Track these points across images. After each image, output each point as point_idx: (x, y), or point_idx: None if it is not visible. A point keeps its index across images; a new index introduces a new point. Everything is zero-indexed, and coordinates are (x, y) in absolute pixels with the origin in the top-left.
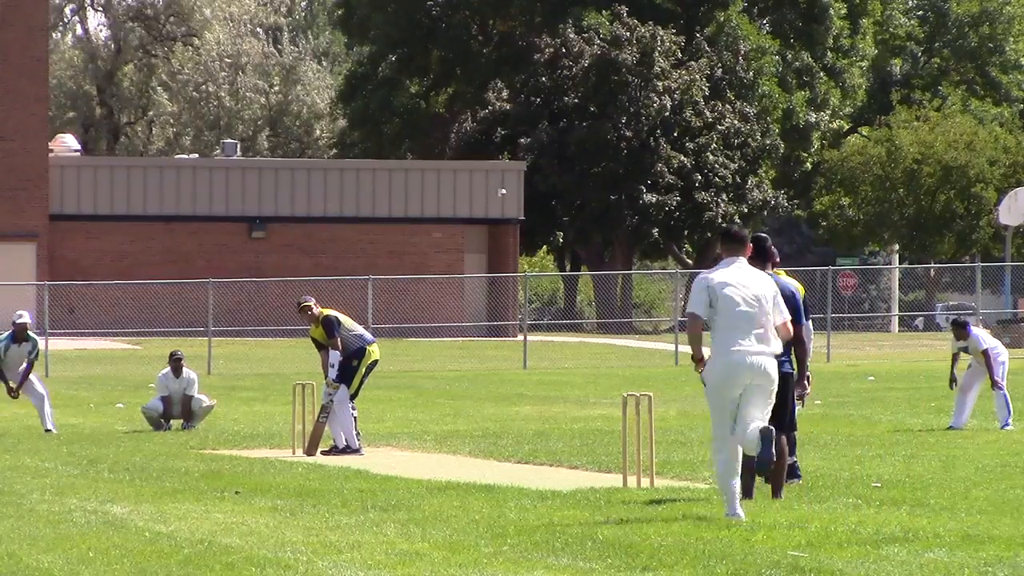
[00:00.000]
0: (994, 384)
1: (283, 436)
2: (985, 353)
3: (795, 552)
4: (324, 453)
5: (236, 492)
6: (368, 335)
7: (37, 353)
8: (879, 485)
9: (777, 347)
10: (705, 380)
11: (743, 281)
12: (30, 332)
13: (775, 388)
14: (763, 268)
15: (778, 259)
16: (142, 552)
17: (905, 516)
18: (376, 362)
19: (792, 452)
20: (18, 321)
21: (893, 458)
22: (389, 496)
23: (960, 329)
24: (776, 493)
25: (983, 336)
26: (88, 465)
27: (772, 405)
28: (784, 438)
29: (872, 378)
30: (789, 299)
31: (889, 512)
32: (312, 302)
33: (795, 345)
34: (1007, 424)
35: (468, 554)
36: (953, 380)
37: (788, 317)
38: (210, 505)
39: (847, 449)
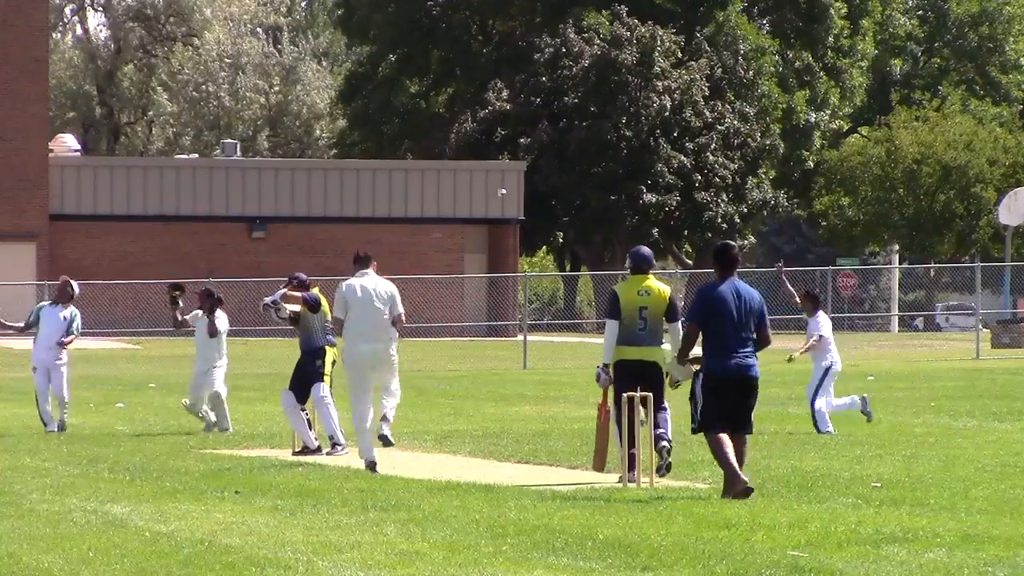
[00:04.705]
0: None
1: (283, 436)
2: (820, 339)
3: (795, 552)
4: (296, 454)
5: (236, 492)
6: (331, 337)
7: (73, 325)
8: (879, 485)
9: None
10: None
11: (371, 285)
12: (73, 306)
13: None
14: (730, 274)
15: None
16: (142, 552)
17: (905, 516)
18: (334, 362)
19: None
20: (69, 281)
21: (893, 458)
22: (389, 496)
23: (811, 301)
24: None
25: (825, 323)
26: (88, 465)
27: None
28: (747, 439)
29: (872, 378)
30: (758, 307)
31: (889, 512)
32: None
33: (761, 345)
34: (826, 429)
35: (468, 554)
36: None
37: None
38: (210, 505)
39: (847, 449)
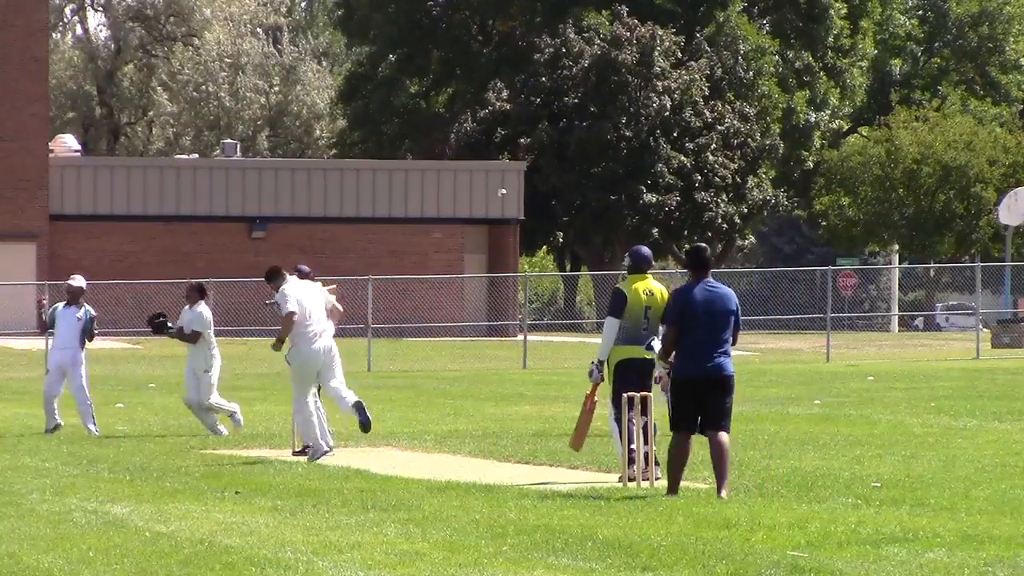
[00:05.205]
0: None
1: (283, 436)
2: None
3: (795, 552)
4: (297, 453)
5: (236, 492)
6: None
7: (89, 321)
8: (879, 485)
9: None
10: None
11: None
12: (86, 305)
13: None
14: (703, 276)
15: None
16: (142, 552)
17: (905, 516)
18: None
19: None
20: (73, 283)
21: (893, 458)
22: (389, 496)
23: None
24: (720, 491)
25: None
26: (88, 465)
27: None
28: (727, 436)
29: (872, 378)
30: (732, 307)
31: (889, 512)
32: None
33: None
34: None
35: (468, 554)
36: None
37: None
38: (210, 505)
39: (847, 449)
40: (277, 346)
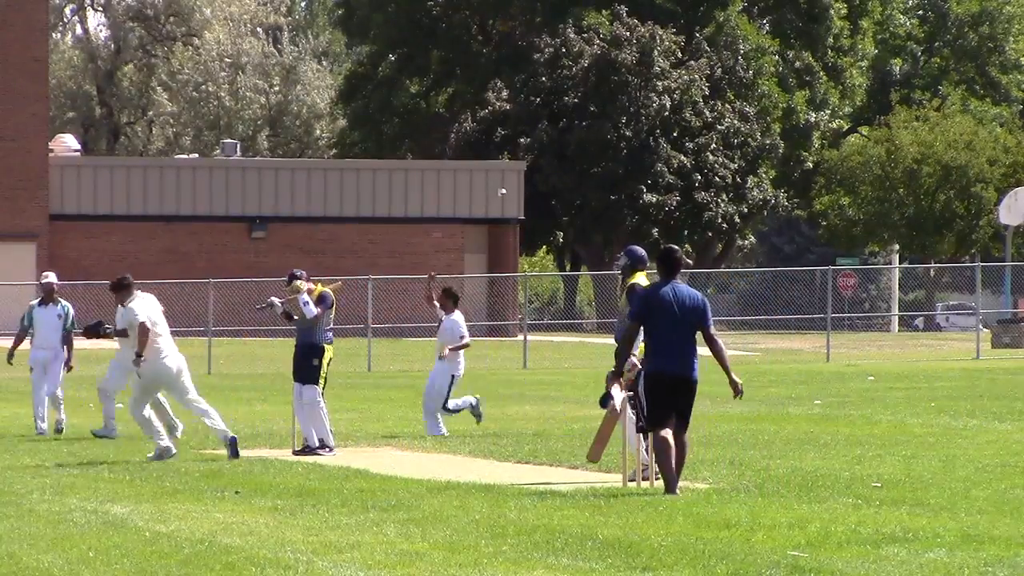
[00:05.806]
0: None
1: (283, 436)
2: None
3: (795, 552)
4: (297, 453)
5: (236, 492)
6: (331, 335)
7: (71, 320)
8: (879, 485)
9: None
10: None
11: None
12: (63, 301)
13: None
14: (673, 277)
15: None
16: (142, 552)
17: (905, 516)
18: (330, 361)
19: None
20: (44, 280)
21: (893, 458)
22: (389, 496)
23: (451, 299)
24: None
25: (463, 325)
26: (88, 465)
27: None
28: (687, 441)
29: (872, 378)
30: (700, 307)
31: (889, 512)
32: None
33: (711, 347)
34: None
35: (468, 554)
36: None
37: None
38: (210, 505)
39: (847, 449)
40: (138, 362)
